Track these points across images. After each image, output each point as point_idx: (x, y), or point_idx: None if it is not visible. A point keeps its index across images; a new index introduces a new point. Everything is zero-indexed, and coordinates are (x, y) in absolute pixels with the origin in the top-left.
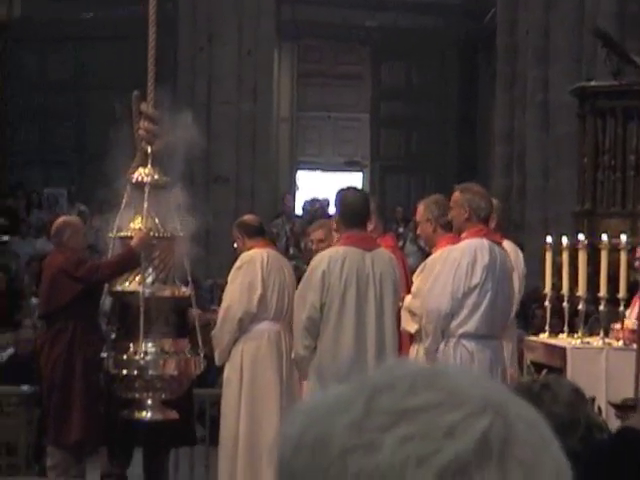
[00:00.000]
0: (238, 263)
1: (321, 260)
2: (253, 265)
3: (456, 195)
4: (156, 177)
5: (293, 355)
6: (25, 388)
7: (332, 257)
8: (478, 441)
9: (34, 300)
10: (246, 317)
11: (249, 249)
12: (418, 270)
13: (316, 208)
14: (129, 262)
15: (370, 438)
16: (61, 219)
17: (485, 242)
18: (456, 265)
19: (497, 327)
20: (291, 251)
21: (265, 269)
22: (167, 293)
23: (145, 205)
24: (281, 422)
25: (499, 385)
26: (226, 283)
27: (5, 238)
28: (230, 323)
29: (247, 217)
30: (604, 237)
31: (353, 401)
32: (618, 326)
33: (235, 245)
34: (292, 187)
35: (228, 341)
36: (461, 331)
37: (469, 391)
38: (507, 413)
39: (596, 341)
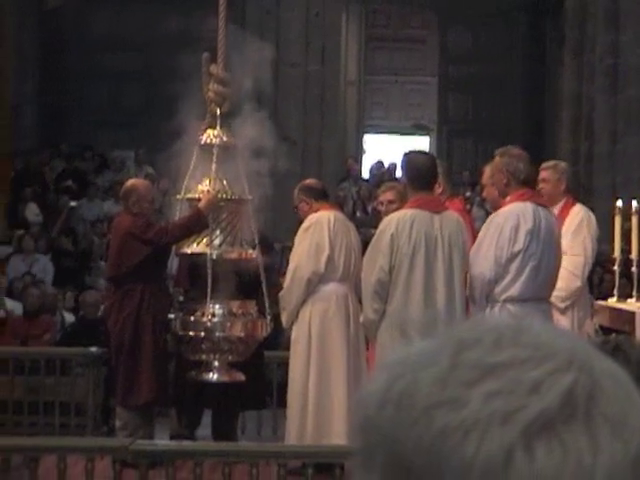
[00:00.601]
0: (306, 224)
1: (389, 223)
2: (320, 226)
3: (495, 160)
4: (225, 139)
5: (362, 319)
6: (93, 349)
7: (400, 220)
8: (563, 397)
9: (102, 263)
10: (314, 278)
11: (315, 212)
12: (480, 234)
13: (383, 172)
14: (197, 224)
15: (456, 393)
16: (129, 182)
17: (529, 205)
18: (499, 231)
19: (543, 290)
20: (358, 214)
21: (332, 230)
22: (234, 255)
23: (213, 167)
24: (349, 383)
25: (584, 341)
26: (293, 245)
27: (73, 204)
28: (298, 284)
29: (310, 181)
30: None
31: (438, 356)
32: None
33: (296, 209)
34: (359, 150)
35: (296, 302)
36: (505, 296)
37: (554, 347)
38: (592, 369)
39: None
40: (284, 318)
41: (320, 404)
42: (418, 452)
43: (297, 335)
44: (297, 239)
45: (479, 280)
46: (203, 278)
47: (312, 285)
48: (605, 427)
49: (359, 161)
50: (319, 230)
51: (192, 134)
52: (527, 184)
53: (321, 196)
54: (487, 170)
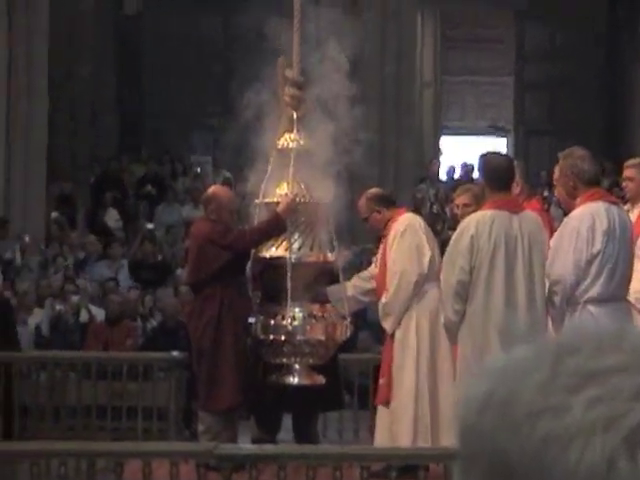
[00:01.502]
0: (400, 228)
1: (469, 224)
2: (414, 229)
3: (560, 163)
4: (302, 142)
5: (443, 320)
6: (175, 354)
7: (480, 221)
8: None
9: (179, 271)
10: (421, 280)
11: (390, 219)
12: (556, 233)
13: (460, 174)
14: (275, 228)
15: (558, 400)
16: (211, 190)
17: (601, 205)
18: (575, 234)
19: (620, 290)
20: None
21: (425, 232)
22: (313, 259)
23: (291, 171)
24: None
25: None
26: (374, 248)
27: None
28: (406, 288)
29: (376, 190)
30: None
31: (540, 362)
32: None
33: (367, 219)
34: (436, 152)
35: (404, 306)
36: (586, 297)
37: None
38: None
39: None
40: (389, 324)
41: (433, 405)
42: (521, 459)
43: (404, 339)
44: (393, 245)
45: (560, 285)
46: (281, 281)
47: (419, 287)
48: None
49: (438, 162)
50: (414, 232)
51: (270, 137)
52: (594, 184)
53: (392, 202)
54: (556, 171)
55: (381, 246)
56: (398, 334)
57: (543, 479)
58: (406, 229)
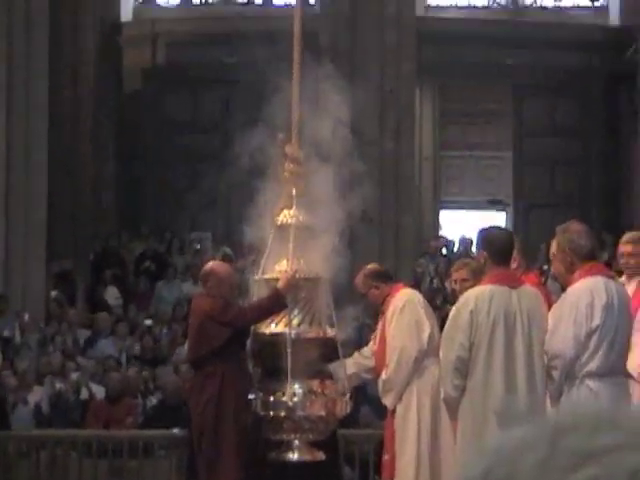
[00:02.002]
0: (399, 304)
1: (468, 299)
2: (413, 304)
3: (557, 238)
4: (301, 218)
5: (442, 395)
6: (175, 431)
7: (479, 296)
8: None
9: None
10: (420, 355)
11: (387, 294)
12: (553, 308)
13: (459, 248)
14: (276, 305)
15: (556, 479)
16: (209, 266)
17: (600, 280)
18: (575, 309)
19: (618, 364)
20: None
21: (424, 306)
22: (313, 334)
23: (290, 247)
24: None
25: None
26: (373, 324)
27: (148, 322)
28: (406, 364)
29: (373, 266)
30: None
31: (537, 442)
32: None
33: (365, 295)
34: (435, 226)
35: (405, 382)
36: (584, 371)
37: None
38: None
39: None
40: (390, 400)
41: (435, 478)
42: None
43: (405, 414)
44: (392, 320)
45: (560, 360)
46: (281, 357)
47: (419, 363)
48: None
49: (439, 238)
50: (413, 308)
51: (269, 215)
52: (591, 258)
53: (389, 278)
54: (553, 245)
55: (380, 322)
56: (399, 409)
57: None
58: (405, 305)
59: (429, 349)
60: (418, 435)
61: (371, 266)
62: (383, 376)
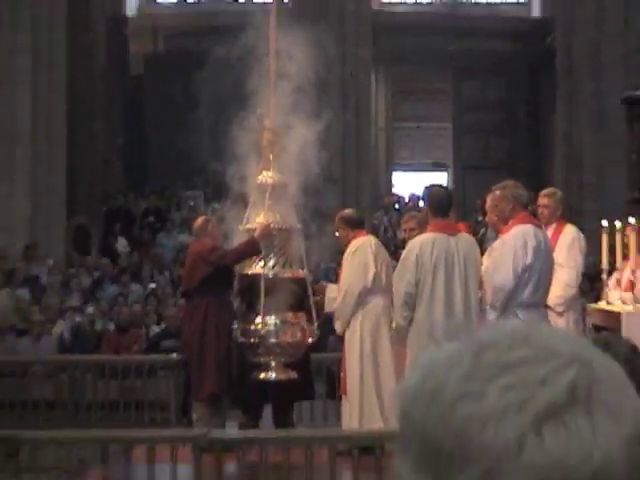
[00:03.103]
0: (352, 248)
1: (414, 245)
2: (364, 249)
3: (497, 193)
4: (276, 179)
5: (394, 325)
6: (174, 356)
7: (423, 242)
8: (567, 389)
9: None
10: (363, 292)
11: (352, 238)
12: (486, 253)
13: (409, 203)
14: (252, 249)
15: (478, 387)
16: (203, 217)
17: (530, 227)
18: (513, 250)
19: (542, 298)
20: (389, 235)
21: (374, 251)
22: (286, 275)
23: (266, 202)
24: (397, 374)
25: (584, 341)
26: (337, 266)
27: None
28: (350, 298)
29: (348, 211)
30: None
31: (463, 356)
32: None
33: (337, 234)
34: (389, 185)
35: (350, 313)
36: (515, 303)
37: (558, 346)
38: (591, 364)
39: None
40: (338, 326)
41: (376, 393)
42: (446, 438)
43: (351, 338)
44: (346, 262)
45: (502, 291)
46: (259, 294)
47: (362, 298)
48: (603, 413)
49: (392, 195)
50: (364, 252)
51: (250, 175)
52: (527, 205)
53: (357, 225)
54: (488, 199)
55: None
56: (347, 334)
57: (466, 454)
58: (357, 249)
59: (373, 287)
60: (361, 354)
61: (346, 211)
62: (334, 306)
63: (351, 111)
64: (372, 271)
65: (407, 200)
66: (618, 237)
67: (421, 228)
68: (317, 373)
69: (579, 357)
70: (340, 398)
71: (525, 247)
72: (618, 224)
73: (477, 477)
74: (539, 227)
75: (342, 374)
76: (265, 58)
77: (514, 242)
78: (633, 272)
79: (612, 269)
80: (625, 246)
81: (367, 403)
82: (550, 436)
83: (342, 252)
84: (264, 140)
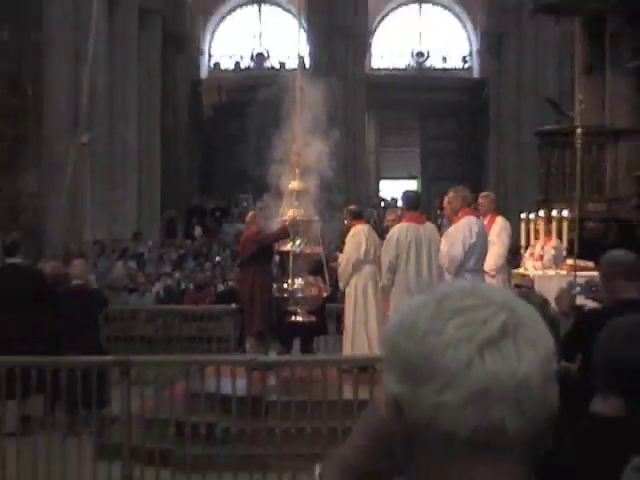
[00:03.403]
0: (351, 232)
1: (394, 231)
2: (359, 233)
3: (451, 195)
4: (301, 186)
5: (381, 284)
6: (233, 306)
7: (401, 229)
8: (500, 327)
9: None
10: (357, 262)
11: (354, 225)
12: (443, 236)
13: (391, 202)
14: (284, 234)
15: (440, 325)
16: (252, 212)
17: (473, 218)
18: (462, 234)
19: (480, 265)
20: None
21: (366, 235)
22: (308, 251)
23: (294, 202)
24: (377, 319)
25: (510, 293)
26: (343, 243)
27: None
28: (348, 265)
29: (352, 206)
30: (554, 213)
31: (429, 304)
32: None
33: (345, 222)
34: (377, 191)
35: (348, 275)
36: (463, 269)
37: (494, 297)
38: (517, 309)
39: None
40: (341, 284)
41: (363, 331)
42: (419, 360)
43: (348, 293)
44: (348, 240)
45: (455, 262)
46: (287, 264)
47: (357, 266)
48: (526, 345)
49: (379, 197)
50: (358, 235)
51: (282, 183)
52: (471, 205)
53: (357, 216)
54: (445, 199)
55: None
56: (347, 290)
57: (431, 372)
58: (354, 233)
59: (364, 259)
60: (355, 304)
61: (351, 206)
62: (339, 270)
63: (351, 139)
64: (363, 247)
65: (389, 200)
66: (532, 225)
67: (399, 219)
68: (329, 317)
69: (508, 304)
70: (341, 333)
71: (470, 231)
72: (532, 216)
73: (440, 387)
74: (479, 218)
75: (342, 317)
76: (293, 102)
77: (463, 228)
78: (542, 248)
79: (527, 246)
80: (536, 231)
81: (357, 336)
82: (489, 359)
83: (345, 234)
84: (292, 158)
